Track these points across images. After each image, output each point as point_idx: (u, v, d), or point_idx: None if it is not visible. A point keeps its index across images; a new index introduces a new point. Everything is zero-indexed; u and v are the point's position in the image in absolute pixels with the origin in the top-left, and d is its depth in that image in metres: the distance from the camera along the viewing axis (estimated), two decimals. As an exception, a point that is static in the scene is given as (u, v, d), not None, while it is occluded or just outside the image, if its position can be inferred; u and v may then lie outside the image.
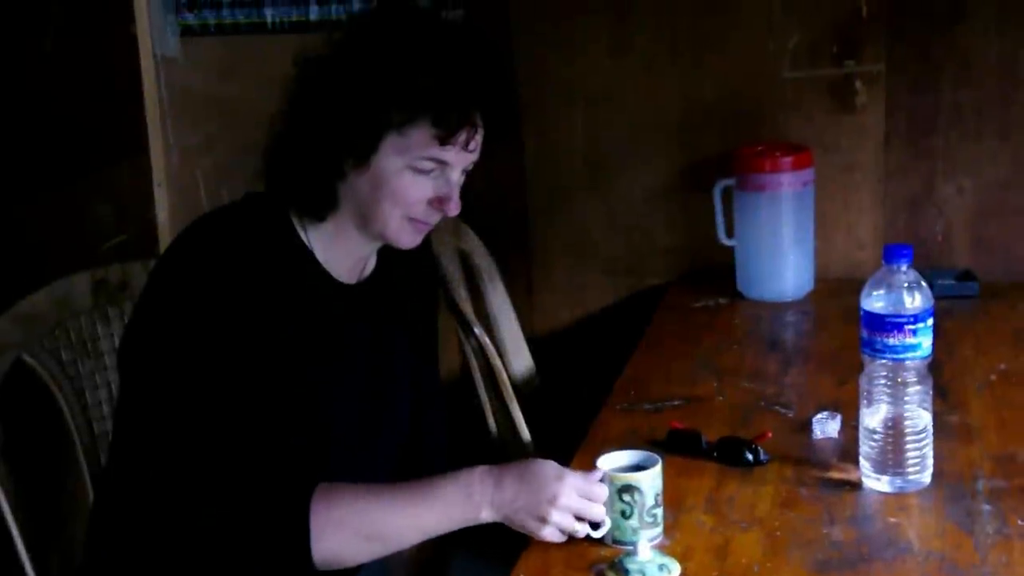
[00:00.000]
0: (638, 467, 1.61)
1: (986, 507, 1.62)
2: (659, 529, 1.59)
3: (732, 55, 2.67)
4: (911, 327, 1.63)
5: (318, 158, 1.61)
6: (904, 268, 1.65)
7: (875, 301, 1.66)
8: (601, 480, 1.59)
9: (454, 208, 1.65)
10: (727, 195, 2.60)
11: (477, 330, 2.36)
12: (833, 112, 2.64)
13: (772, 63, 2.64)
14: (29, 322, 1.92)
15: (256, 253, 1.62)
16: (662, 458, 1.61)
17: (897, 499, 1.66)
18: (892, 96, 2.60)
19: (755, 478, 1.75)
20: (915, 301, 1.64)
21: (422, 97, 1.57)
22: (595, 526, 1.58)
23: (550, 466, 1.59)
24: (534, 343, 2.70)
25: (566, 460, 1.83)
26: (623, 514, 1.57)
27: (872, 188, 2.65)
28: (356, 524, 1.57)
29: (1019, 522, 1.57)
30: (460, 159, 1.64)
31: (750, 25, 2.64)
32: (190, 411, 1.54)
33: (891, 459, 1.67)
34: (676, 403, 2.06)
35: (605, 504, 1.58)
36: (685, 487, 1.73)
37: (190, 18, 2.83)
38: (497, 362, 2.37)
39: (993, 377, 2.09)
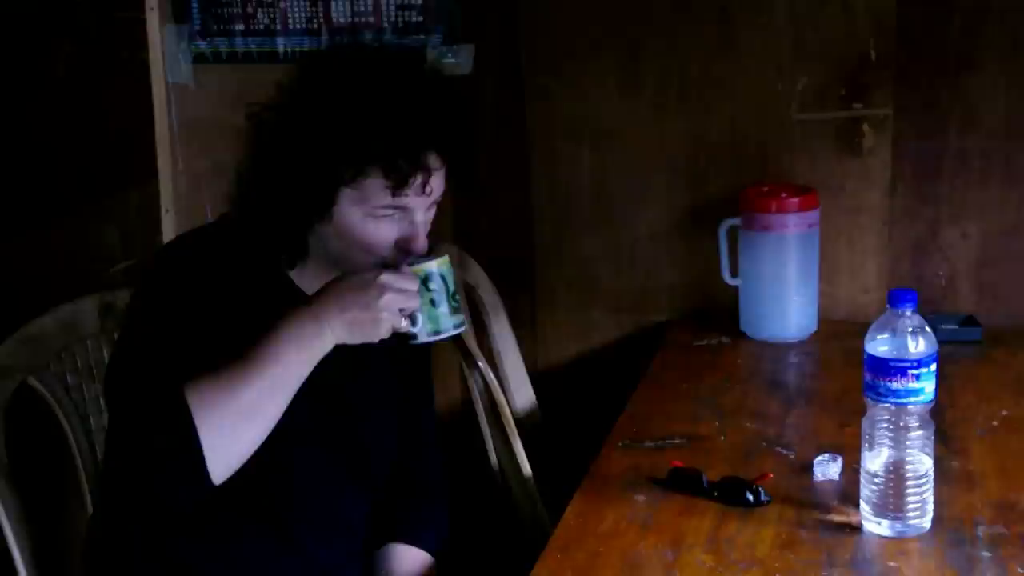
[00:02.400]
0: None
1: (986, 554, 1.62)
2: (463, 316, 1.68)
3: (740, 95, 2.68)
4: (914, 372, 1.64)
5: (283, 216, 1.64)
6: (908, 313, 1.66)
7: (879, 345, 1.66)
8: None
9: (418, 247, 1.67)
10: (732, 235, 2.61)
11: (480, 364, 2.36)
12: (840, 155, 2.65)
13: (780, 104, 2.65)
14: (35, 345, 1.93)
15: (230, 275, 1.65)
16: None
17: (897, 543, 1.66)
18: (899, 140, 2.61)
19: (755, 519, 1.75)
20: (919, 346, 1.65)
21: (369, 150, 1.58)
22: (413, 323, 1.64)
23: (363, 274, 1.60)
24: (537, 378, 2.70)
25: (568, 497, 1.84)
26: (432, 303, 1.64)
27: (877, 231, 2.66)
28: (226, 406, 1.54)
29: (1019, 570, 1.57)
30: (419, 202, 1.65)
31: (759, 66, 2.65)
32: (126, 386, 1.57)
33: (892, 503, 1.67)
34: (677, 441, 2.06)
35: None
36: (685, 526, 1.73)
37: (203, 46, 2.86)
38: (500, 396, 2.37)
39: (995, 423, 2.09)
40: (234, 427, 1.54)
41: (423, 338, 1.65)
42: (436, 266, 1.65)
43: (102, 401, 2.01)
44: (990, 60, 2.53)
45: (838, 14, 2.59)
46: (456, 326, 1.67)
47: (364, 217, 1.63)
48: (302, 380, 1.59)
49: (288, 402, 1.59)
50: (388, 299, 1.58)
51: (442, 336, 1.66)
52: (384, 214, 1.63)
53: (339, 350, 1.63)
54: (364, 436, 1.81)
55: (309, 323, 1.58)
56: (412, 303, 1.61)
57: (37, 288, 2.37)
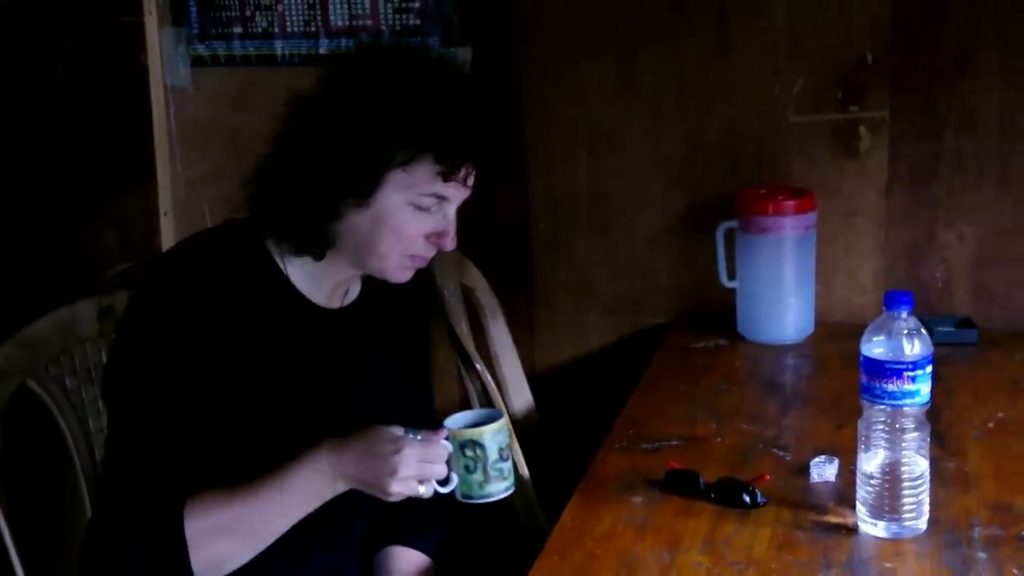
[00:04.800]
0: (482, 424, 1.65)
1: (981, 555, 1.63)
2: (507, 483, 1.65)
3: (737, 98, 2.68)
4: (910, 374, 1.64)
5: (316, 199, 1.63)
6: (905, 315, 1.66)
7: (875, 347, 1.67)
8: (447, 439, 1.63)
9: (450, 243, 1.69)
10: (729, 237, 2.62)
11: (478, 366, 2.37)
12: (836, 157, 2.66)
13: (777, 107, 2.66)
14: (34, 348, 1.93)
15: (230, 281, 1.65)
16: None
17: (893, 545, 1.67)
18: (895, 143, 2.62)
19: (752, 520, 1.75)
20: (915, 348, 1.65)
21: (426, 134, 1.60)
22: (444, 482, 1.62)
23: (387, 440, 1.60)
24: (534, 380, 2.71)
25: (565, 499, 1.84)
26: (467, 469, 1.63)
27: (874, 234, 2.67)
28: (228, 528, 1.59)
29: (1014, 571, 1.58)
30: (459, 194, 1.67)
31: (756, 69, 2.66)
32: (158, 439, 1.56)
33: (888, 505, 1.68)
34: (675, 443, 2.06)
35: (450, 461, 1.62)
36: (682, 527, 1.74)
37: (201, 49, 2.87)
38: (498, 398, 2.38)
39: (991, 425, 2.10)
40: (229, 557, 1.60)
41: (458, 497, 1.64)
42: (475, 435, 1.63)
43: (101, 404, 2.01)
44: (985, 63, 2.53)
45: (834, 17, 2.60)
46: (492, 495, 1.64)
47: (406, 204, 1.64)
48: (302, 518, 1.63)
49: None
50: (403, 475, 1.59)
51: (475, 502, 1.64)
52: (426, 203, 1.64)
53: (347, 359, 1.68)
54: None
55: (322, 479, 1.61)
56: (435, 473, 1.62)
57: (35, 291, 2.37)
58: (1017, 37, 2.51)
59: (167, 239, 2.93)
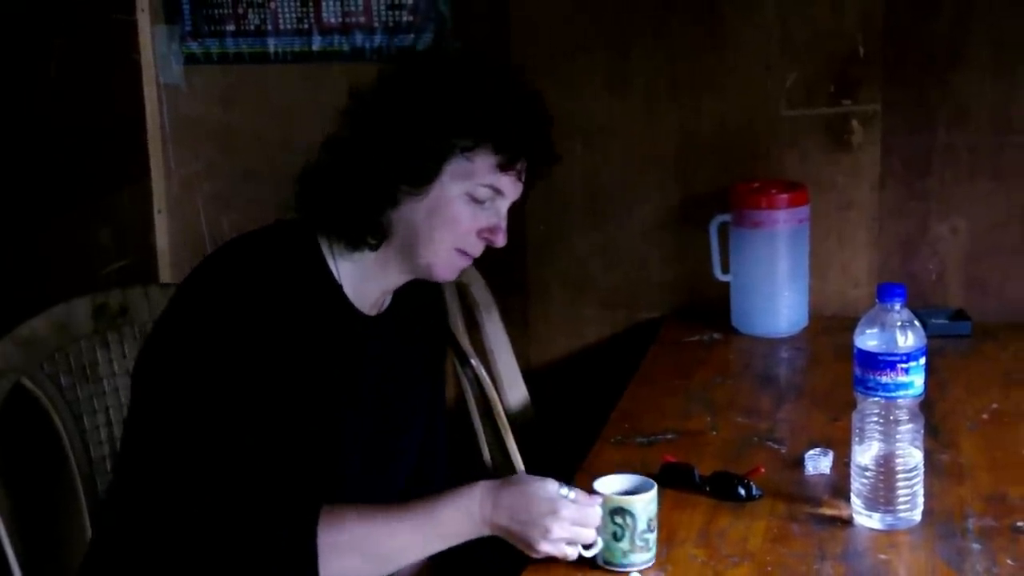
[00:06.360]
0: (634, 491, 1.64)
1: (976, 546, 1.63)
2: (650, 554, 1.62)
3: (730, 93, 2.69)
4: (903, 366, 1.65)
5: (375, 185, 1.63)
6: (898, 307, 1.67)
7: (868, 339, 1.68)
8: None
9: (502, 239, 1.69)
10: (723, 231, 2.62)
11: (474, 362, 2.37)
12: (829, 151, 2.66)
13: (770, 101, 2.67)
14: (29, 346, 1.93)
15: (282, 281, 1.63)
16: (658, 488, 1.64)
17: (888, 536, 1.67)
18: (888, 136, 2.63)
19: (747, 513, 1.76)
20: (908, 340, 1.66)
21: (487, 122, 1.63)
22: (587, 546, 1.60)
23: (545, 499, 1.59)
24: (529, 374, 2.71)
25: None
26: (614, 536, 1.60)
27: (867, 227, 2.67)
28: (362, 547, 1.58)
29: (1008, 562, 1.58)
30: (513, 189, 1.69)
31: (749, 63, 2.66)
32: (202, 435, 1.55)
33: (882, 496, 1.68)
34: (670, 437, 2.07)
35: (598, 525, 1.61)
36: (678, 520, 1.74)
37: (194, 47, 2.87)
38: (493, 394, 2.38)
39: (985, 416, 2.10)
40: (361, 572, 1.60)
41: (599, 561, 1.62)
42: (627, 503, 1.61)
43: (95, 402, 2.01)
44: (977, 56, 2.54)
45: (826, 11, 2.60)
46: (633, 564, 1.61)
47: (463, 194, 1.65)
48: (437, 551, 1.65)
49: None
50: (555, 537, 1.58)
51: (615, 570, 1.61)
52: (481, 195, 1.65)
53: (382, 365, 1.69)
54: (402, 446, 1.83)
55: (469, 521, 1.61)
56: (585, 537, 1.60)
57: (30, 289, 2.37)
58: (1009, 30, 2.52)
59: (161, 237, 2.94)
